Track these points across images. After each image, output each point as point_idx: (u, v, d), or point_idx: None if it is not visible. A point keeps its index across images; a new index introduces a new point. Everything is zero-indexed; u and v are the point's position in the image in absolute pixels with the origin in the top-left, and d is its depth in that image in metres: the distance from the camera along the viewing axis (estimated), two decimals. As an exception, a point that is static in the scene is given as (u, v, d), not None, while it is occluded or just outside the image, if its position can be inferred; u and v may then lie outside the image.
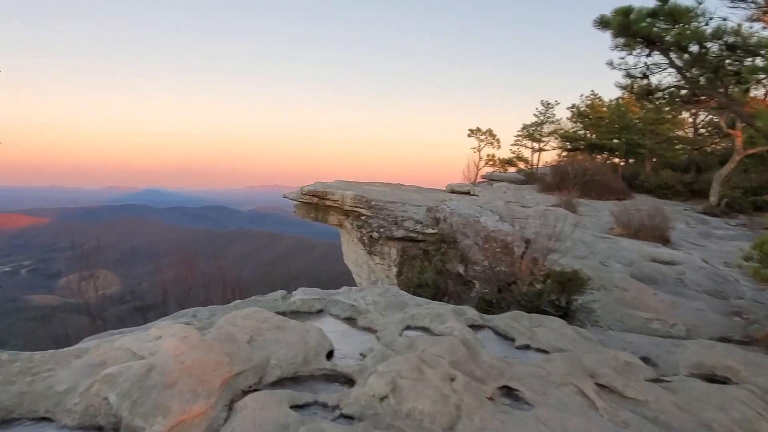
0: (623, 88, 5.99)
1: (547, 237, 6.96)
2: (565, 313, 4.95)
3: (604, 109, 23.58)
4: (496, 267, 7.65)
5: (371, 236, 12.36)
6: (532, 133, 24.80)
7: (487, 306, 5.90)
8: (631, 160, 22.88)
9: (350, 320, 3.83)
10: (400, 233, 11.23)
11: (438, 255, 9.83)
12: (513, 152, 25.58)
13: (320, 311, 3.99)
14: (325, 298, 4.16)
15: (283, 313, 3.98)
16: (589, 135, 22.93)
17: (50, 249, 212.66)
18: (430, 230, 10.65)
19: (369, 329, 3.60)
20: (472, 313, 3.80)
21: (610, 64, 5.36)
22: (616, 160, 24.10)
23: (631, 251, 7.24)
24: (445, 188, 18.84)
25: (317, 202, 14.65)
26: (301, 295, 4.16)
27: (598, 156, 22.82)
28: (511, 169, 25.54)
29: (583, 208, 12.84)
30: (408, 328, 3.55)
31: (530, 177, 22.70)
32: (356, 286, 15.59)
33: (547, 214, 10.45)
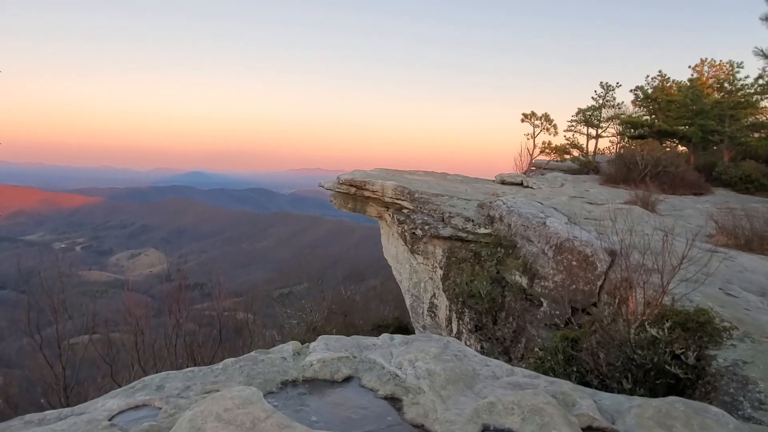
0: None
1: (641, 249, 5.42)
2: (698, 378, 3.48)
3: (675, 91, 21.23)
4: (571, 285, 6.17)
5: (414, 233, 11.00)
6: (588, 117, 22.71)
7: (571, 347, 4.46)
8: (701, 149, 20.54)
9: (393, 400, 2.52)
10: (447, 232, 9.81)
11: (493, 261, 8.37)
12: (567, 139, 23.58)
13: (348, 378, 2.70)
14: (356, 356, 2.86)
15: (295, 382, 2.70)
16: (656, 120, 20.69)
17: (102, 227, 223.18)
18: (482, 230, 9.18)
19: (422, 427, 2.29)
20: (586, 404, 2.41)
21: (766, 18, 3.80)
22: (683, 148, 21.76)
23: (756, 272, 5.60)
24: (494, 178, 17.22)
25: (355, 192, 13.40)
26: (322, 352, 2.87)
27: (666, 144, 20.59)
28: (565, 157, 23.58)
29: (661, 205, 11.05)
30: (486, 429, 2.20)
31: (585, 166, 20.72)
32: (399, 284, 14.33)
33: (622, 214, 8.82)
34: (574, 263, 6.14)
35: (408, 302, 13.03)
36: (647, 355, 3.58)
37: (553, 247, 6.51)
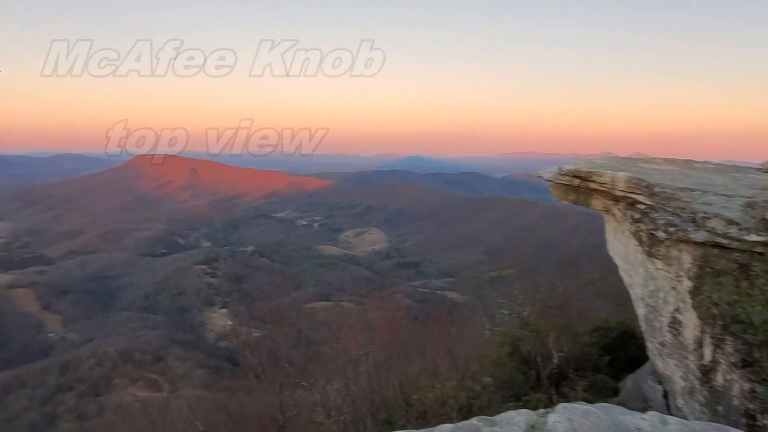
0: None
1: None
2: None
3: None
4: None
5: (653, 234, 9.34)
6: None
7: None
8: None
9: None
10: (700, 236, 8.02)
11: (771, 279, 6.53)
12: None
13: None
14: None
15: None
16: None
17: (335, 207, 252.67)
18: (753, 237, 7.25)
19: None
20: None
21: None
22: None
23: None
24: (760, 166, 13.80)
25: (579, 184, 12.03)
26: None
27: None
28: None
29: None
30: None
31: None
32: (628, 288, 12.56)
33: None
34: None
35: (641, 312, 11.29)
36: None
37: None
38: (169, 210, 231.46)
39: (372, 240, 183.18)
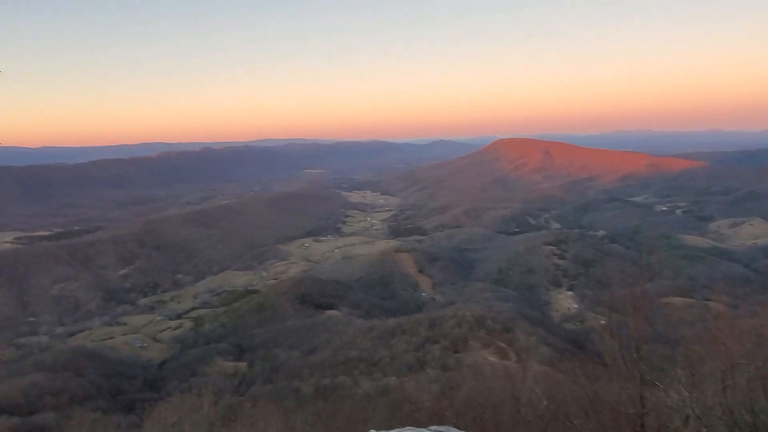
0: None
1: None
2: None
3: None
4: None
5: None
6: None
7: None
8: None
9: None
10: None
11: None
12: None
13: None
14: None
15: None
16: None
17: (704, 192, 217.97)
18: None
19: None
20: None
21: None
22: None
23: None
24: None
25: None
26: None
27: None
28: None
29: None
30: None
31: None
32: None
33: None
34: None
35: None
36: None
37: None
38: (523, 191, 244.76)
39: (753, 233, 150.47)
